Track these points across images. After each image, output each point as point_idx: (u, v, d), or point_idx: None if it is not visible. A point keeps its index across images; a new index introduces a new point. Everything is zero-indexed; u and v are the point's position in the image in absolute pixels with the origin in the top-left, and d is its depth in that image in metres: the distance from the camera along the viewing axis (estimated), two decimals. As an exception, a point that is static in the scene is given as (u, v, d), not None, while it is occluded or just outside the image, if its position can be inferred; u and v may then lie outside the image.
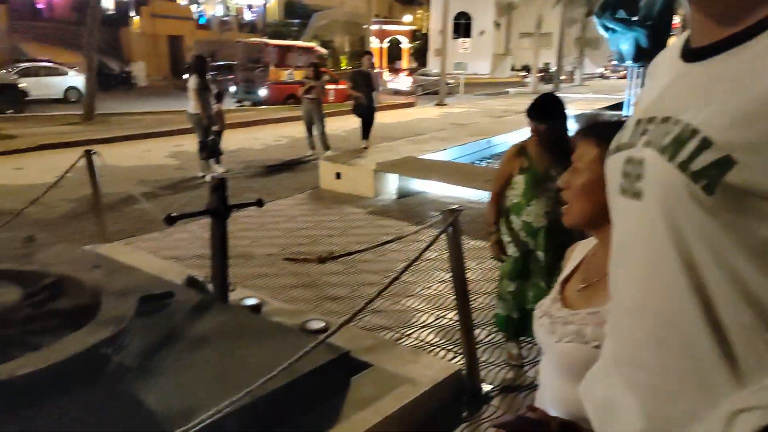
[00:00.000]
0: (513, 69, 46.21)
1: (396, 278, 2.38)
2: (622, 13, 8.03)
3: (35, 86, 20.07)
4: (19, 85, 18.96)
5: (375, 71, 9.85)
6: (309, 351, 2.15)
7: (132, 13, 34.87)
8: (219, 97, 8.98)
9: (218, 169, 8.92)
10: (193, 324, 2.92)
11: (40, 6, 34.14)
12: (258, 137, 13.25)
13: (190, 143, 11.34)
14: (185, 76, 28.77)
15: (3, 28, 29.92)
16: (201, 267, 4.85)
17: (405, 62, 49.43)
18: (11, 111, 17.28)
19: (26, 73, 21.21)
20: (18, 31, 30.73)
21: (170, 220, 3.04)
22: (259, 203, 3.52)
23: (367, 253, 5.04)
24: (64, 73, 22.91)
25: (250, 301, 3.52)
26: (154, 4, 35.63)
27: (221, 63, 27.89)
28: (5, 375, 2.17)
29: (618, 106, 12.74)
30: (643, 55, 7.99)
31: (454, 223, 2.51)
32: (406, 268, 2.41)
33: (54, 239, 4.36)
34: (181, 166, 9.80)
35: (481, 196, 7.05)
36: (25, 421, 2.02)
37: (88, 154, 4.63)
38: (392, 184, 7.36)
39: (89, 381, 2.32)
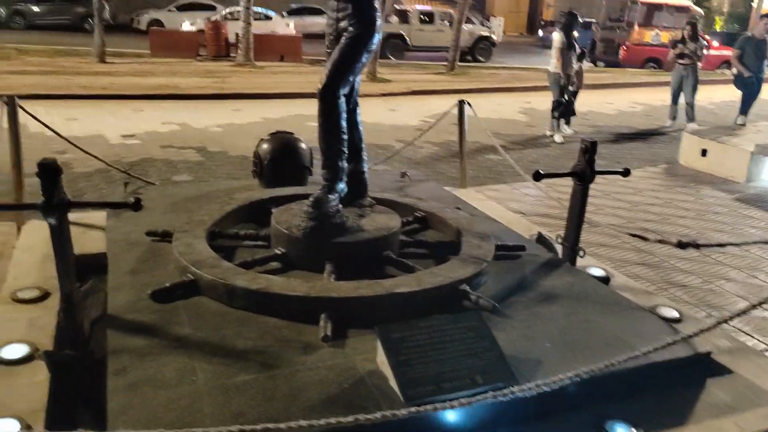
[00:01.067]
0: None
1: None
2: None
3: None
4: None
5: (772, 37, 8.39)
6: (672, 343, 2.02)
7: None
8: (581, 57, 8.76)
9: (567, 131, 8.80)
10: (541, 280, 2.99)
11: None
12: (610, 101, 12.65)
13: (540, 101, 11.40)
14: (540, 33, 28.90)
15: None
16: (544, 226, 4.91)
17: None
18: (483, 59, 20.31)
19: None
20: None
21: (537, 177, 3.12)
22: (626, 172, 3.38)
23: (728, 242, 4.49)
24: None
25: (598, 271, 3.44)
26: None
27: (581, 21, 27.08)
28: (386, 290, 2.54)
29: None
30: None
31: None
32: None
33: (421, 177, 4.85)
34: (530, 122, 9.93)
35: None
36: (403, 329, 2.32)
37: (461, 104, 4.97)
38: (771, 170, 6.32)
39: (451, 310, 2.57)
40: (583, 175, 3.11)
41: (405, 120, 9.46)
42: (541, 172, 3.07)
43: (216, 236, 3.06)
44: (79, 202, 2.36)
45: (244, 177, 5.85)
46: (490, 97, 12.43)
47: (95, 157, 4.36)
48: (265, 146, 4.07)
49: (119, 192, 4.24)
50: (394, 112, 10.10)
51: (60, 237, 2.27)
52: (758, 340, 3.25)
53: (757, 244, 3.17)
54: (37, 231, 3.54)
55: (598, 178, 6.41)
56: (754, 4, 32.08)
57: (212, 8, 22.55)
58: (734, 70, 8.89)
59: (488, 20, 32.27)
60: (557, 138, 8.43)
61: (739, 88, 8.58)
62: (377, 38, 2.93)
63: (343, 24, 2.87)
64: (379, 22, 2.92)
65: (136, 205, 2.32)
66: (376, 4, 2.90)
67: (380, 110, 9.87)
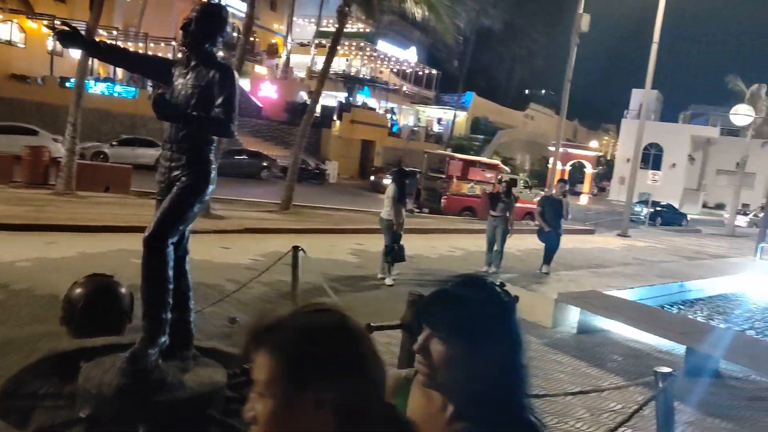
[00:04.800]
0: (704, 206, 43.20)
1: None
2: None
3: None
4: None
5: (566, 199, 9.75)
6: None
7: (334, 118, 38.57)
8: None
9: (393, 272, 9.21)
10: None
11: (261, 105, 39.18)
12: (433, 245, 13.55)
13: (372, 243, 11.91)
14: (372, 178, 30.90)
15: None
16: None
17: (587, 187, 48.48)
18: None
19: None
20: (241, 125, 35.51)
21: (369, 329, 3.17)
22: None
23: (542, 391, 4.81)
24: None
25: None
26: (355, 112, 39.19)
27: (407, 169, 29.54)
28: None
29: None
30: None
31: (665, 389, 2.31)
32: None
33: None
34: (362, 264, 10.27)
35: (672, 347, 6.47)
36: None
37: (295, 250, 5.03)
38: (573, 317, 7.04)
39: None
40: (411, 327, 3.23)
41: (237, 258, 9.32)
42: (372, 324, 3.14)
43: (11, 395, 2.67)
44: None
45: (52, 321, 5.26)
46: (324, 237, 12.76)
47: None
48: (78, 290, 3.75)
49: None
50: (227, 250, 9.93)
51: None
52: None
53: (563, 397, 3.44)
54: None
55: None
56: (550, 165, 37.42)
57: (34, 133, 21.30)
58: (536, 223, 10.11)
59: (323, 163, 33.99)
60: (388, 281, 8.77)
61: (541, 241, 9.71)
62: (211, 189, 2.93)
63: (176, 173, 2.85)
64: (213, 174, 2.94)
65: None
66: (212, 157, 2.94)
67: (212, 248, 9.65)
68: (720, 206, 43.81)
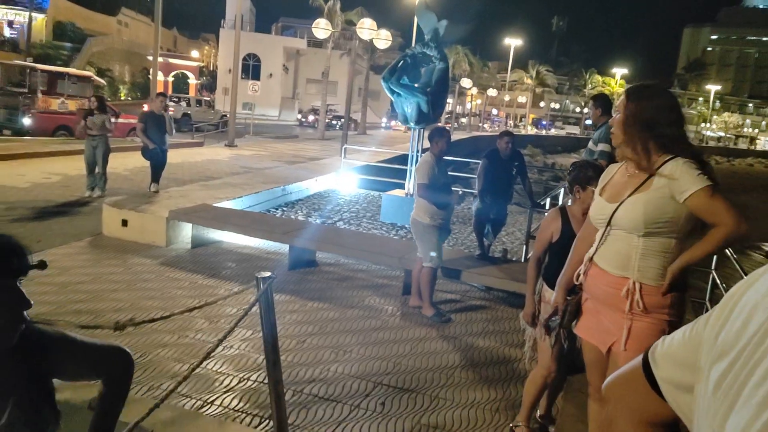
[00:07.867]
0: (300, 112, 47.56)
1: (210, 352, 2.33)
2: (406, 80, 8.78)
3: None
4: None
5: (168, 113, 9.42)
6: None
7: None
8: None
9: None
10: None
11: None
12: (22, 173, 11.78)
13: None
14: None
15: None
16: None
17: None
18: None
19: None
20: None
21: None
22: (41, 266, 3.18)
23: (161, 312, 4.79)
24: None
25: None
26: None
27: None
28: None
29: (401, 159, 13.77)
30: (424, 119, 8.84)
31: (267, 290, 2.54)
32: (220, 342, 2.37)
33: None
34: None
35: (278, 247, 7.10)
36: None
37: None
38: (186, 232, 7.06)
39: None
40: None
41: None
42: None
43: None
44: None
45: None
46: None
47: None
48: None
49: None
50: None
51: None
52: (195, 399, 3.56)
53: (183, 314, 3.43)
54: None
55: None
56: (151, 76, 35.64)
57: None
58: (140, 141, 9.62)
59: None
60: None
61: (146, 159, 9.31)
62: None
63: None
64: None
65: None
66: None
67: None
68: (315, 111, 48.66)
